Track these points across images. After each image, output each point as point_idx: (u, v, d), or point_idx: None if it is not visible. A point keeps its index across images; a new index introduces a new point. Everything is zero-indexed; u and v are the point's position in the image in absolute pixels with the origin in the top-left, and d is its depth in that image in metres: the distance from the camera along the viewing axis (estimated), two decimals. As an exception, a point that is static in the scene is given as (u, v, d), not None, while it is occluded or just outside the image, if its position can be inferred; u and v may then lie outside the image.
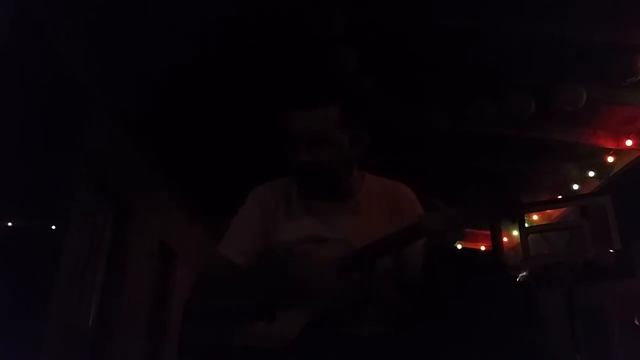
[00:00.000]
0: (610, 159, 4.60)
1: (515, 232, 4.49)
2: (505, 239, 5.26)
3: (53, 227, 3.36)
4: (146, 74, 3.75)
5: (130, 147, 4.60)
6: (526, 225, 3.77)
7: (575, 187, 4.99)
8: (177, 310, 5.74)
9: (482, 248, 6.39)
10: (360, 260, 1.30)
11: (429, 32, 3.35)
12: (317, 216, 1.43)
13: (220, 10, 3.24)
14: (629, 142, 4.35)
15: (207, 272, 1.44)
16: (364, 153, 1.47)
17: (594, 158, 4.69)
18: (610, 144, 4.48)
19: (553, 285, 3.17)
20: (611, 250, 3.12)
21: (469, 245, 6.54)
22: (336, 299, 1.27)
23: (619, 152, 4.55)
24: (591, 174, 4.81)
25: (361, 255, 1.30)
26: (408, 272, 1.38)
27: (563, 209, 4.95)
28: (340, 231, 1.38)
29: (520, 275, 3.40)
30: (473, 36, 3.32)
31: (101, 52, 3.65)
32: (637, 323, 3.16)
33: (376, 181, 1.53)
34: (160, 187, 5.52)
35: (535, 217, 4.96)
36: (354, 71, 3.45)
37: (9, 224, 3.06)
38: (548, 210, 4.92)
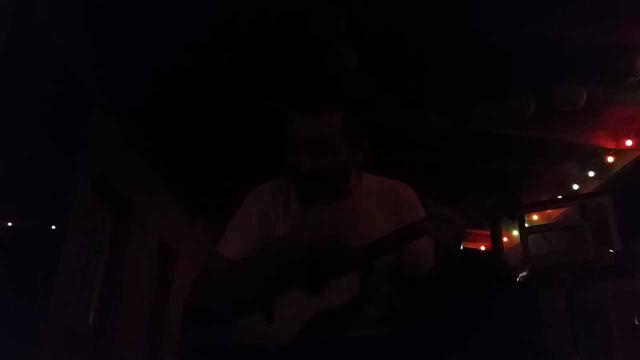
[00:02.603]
0: (610, 159, 4.60)
1: (515, 232, 4.49)
2: (505, 239, 5.26)
3: (53, 227, 3.36)
4: (146, 74, 3.76)
5: (130, 147, 4.60)
6: (526, 225, 3.77)
7: (575, 187, 4.99)
8: (177, 310, 5.74)
9: (482, 248, 6.40)
10: (359, 259, 1.30)
11: (429, 32, 3.35)
12: (315, 217, 1.43)
13: (221, 9, 3.24)
14: (629, 142, 4.35)
15: (206, 273, 1.44)
16: (364, 156, 1.47)
17: (594, 158, 4.68)
18: (610, 144, 4.48)
19: (553, 285, 3.17)
20: (611, 250, 3.12)
21: (469, 245, 6.55)
22: (334, 299, 1.27)
23: (619, 152, 4.54)
24: (591, 174, 4.81)
25: (359, 254, 1.30)
26: (407, 271, 1.38)
27: (563, 209, 4.95)
28: (337, 231, 1.38)
29: (520, 275, 3.39)
30: (473, 36, 3.32)
31: (101, 51, 3.65)
32: (637, 323, 3.16)
33: (375, 181, 1.54)
34: (160, 187, 5.52)
35: (535, 217, 4.96)
36: (354, 71, 3.45)
37: (9, 224, 3.06)
38: (548, 210, 4.93)
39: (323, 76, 3.43)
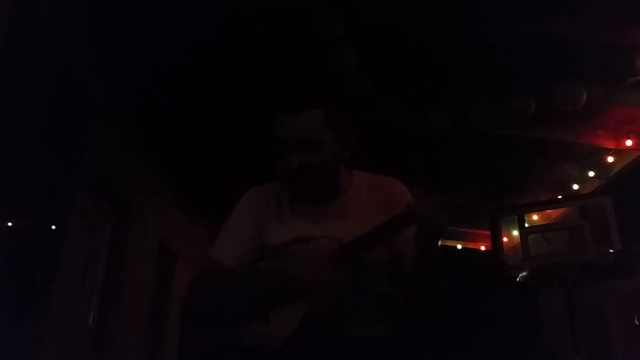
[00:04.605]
0: (610, 159, 4.60)
1: (515, 232, 4.49)
2: (505, 239, 5.25)
3: (53, 227, 3.36)
4: (146, 74, 3.75)
5: (130, 146, 4.60)
6: (526, 225, 3.78)
7: (575, 187, 4.99)
8: (177, 310, 5.74)
9: (482, 248, 6.39)
10: (352, 253, 1.30)
11: (429, 32, 3.35)
12: (307, 217, 1.43)
13: (221, 9, 3.24)
14: (629, 142, 4.34)
15: (200, 277, 1.45)
16: (352, 152, 1.47)
17: (594, 158, 4.68)
18: (610, 144, 4.47)
19: (553, 285, 3.17)
20: (611, 250, 3.12)
21: (469, 245, 6.55)
22: (329, 296, 1.28)
23: (619, 152, 4.54)
24: (591, 174, 4.81)
25: (351, 247, 1.30)
26: (402, 265, 1.38)
27: (563, 209, 4.95)
28: (330, 229, 1.39)
29: (520, 275, 3.40)
30: (473, 36, 3.32)
31: (101, 51, 3.65)
32: (637, 323, 3.16)
33: (365, 178, 1.54)
34: (160, 186, 5.52)
35: (535, 217, 4.96)
36: (354, 71, 3.45)
37: (9, 224, 3.06)
38: (548, 210, 4.93)
39: (322, 76, 3.43)
